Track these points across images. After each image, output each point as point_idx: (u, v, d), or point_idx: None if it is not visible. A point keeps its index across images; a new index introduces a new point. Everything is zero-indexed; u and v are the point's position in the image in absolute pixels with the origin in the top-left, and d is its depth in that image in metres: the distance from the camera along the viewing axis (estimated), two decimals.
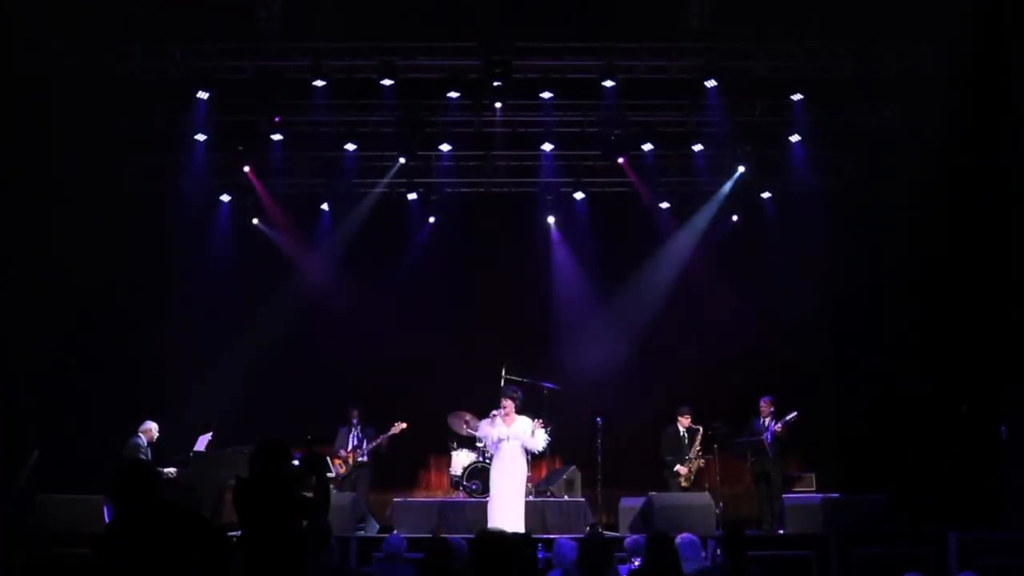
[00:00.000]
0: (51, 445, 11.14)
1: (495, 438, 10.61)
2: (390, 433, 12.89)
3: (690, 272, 15.00)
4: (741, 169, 14.20)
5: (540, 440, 10.71)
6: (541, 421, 10.94)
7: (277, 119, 13.22)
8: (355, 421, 13.15)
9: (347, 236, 14.96)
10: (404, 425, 12.89)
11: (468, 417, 12.80)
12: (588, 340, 14.83)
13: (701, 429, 12.94)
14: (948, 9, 11.17)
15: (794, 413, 12.52)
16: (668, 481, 12.78)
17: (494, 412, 10.66)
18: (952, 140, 11.81)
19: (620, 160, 14.08)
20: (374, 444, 12.96)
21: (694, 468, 12.89)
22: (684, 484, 12.74)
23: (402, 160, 14.22)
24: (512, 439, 10.54)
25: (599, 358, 14.53)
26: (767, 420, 12.67)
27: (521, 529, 10.05)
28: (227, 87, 12.67)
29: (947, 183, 12.06)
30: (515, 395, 10.79)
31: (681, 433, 12.97)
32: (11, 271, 11.69)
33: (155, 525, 4.83)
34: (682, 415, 13.01)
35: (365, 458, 12.99)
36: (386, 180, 14.67)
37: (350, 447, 12.96)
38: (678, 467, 12.80)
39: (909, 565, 9.91)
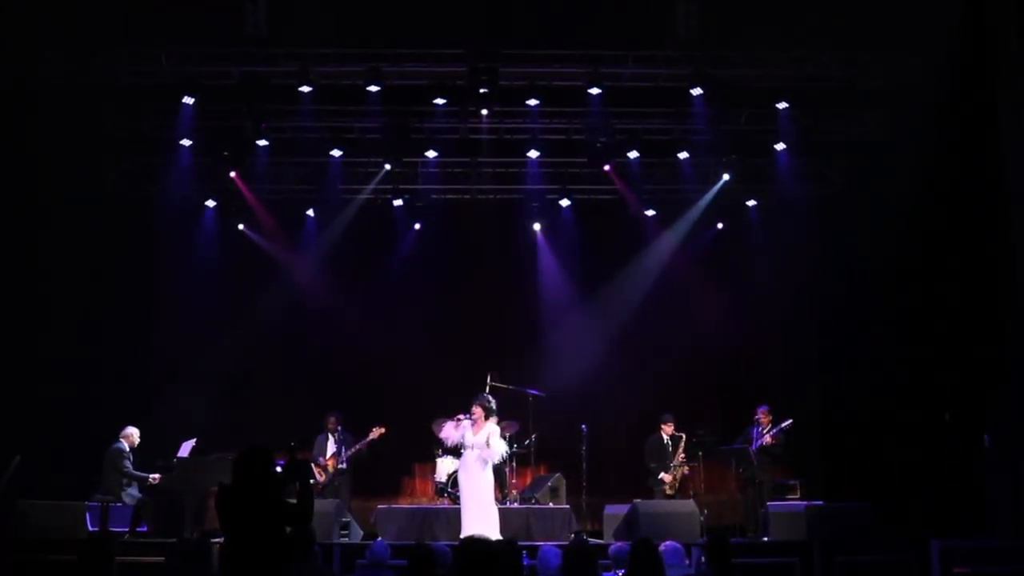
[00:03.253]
0: (32, 450, 11.06)
1: (456, 441, 10.60)
2: (369, 439, 12.80)
3: (675, 279, 14.99)
4: (726, 177, 14.25)
5: (497, 451, 10.58)
6: (504, 426, 10.90)
7: (263, 124, 13.19)
8: (334, 428, 13.05)
9: (332, 242, 14.92)
10: (382, 430, 12.78)
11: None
12: (573, 347, 14.81)
13: (684, 436, 12.97)
14: (933, 19, 11.23)
15: (789, 421, 12.54)
16: (653, 488, 12.80)
17: (459, 416, 10.65)
18: (936, 150, 11.87)
19: (606, 167, 14.10)
20: (353, 450, 12.87)
21: (679, 475, 12.91)
22: (669, 491, 12.75)
23: (388, 166, 14.22)
24: (476, 447, 10.53)
25: (584, 365, 14.50)
26: (763, 429, 12.66)
27: (494, 535, 10.02)
28: (213, 92, 12.65)
29: (931, 192, 12.13)
30: (486, 403, 10.74)
31: (665, 440, 13.00)
32: None
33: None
34: (665, 422, 13.03)
35: (345, 465, 12.88)
36: (372, 186, 14.65)
37: (329, 454, 12.86)
38: (663, 475, 12.81)
39: (892, 573, 10.03)
